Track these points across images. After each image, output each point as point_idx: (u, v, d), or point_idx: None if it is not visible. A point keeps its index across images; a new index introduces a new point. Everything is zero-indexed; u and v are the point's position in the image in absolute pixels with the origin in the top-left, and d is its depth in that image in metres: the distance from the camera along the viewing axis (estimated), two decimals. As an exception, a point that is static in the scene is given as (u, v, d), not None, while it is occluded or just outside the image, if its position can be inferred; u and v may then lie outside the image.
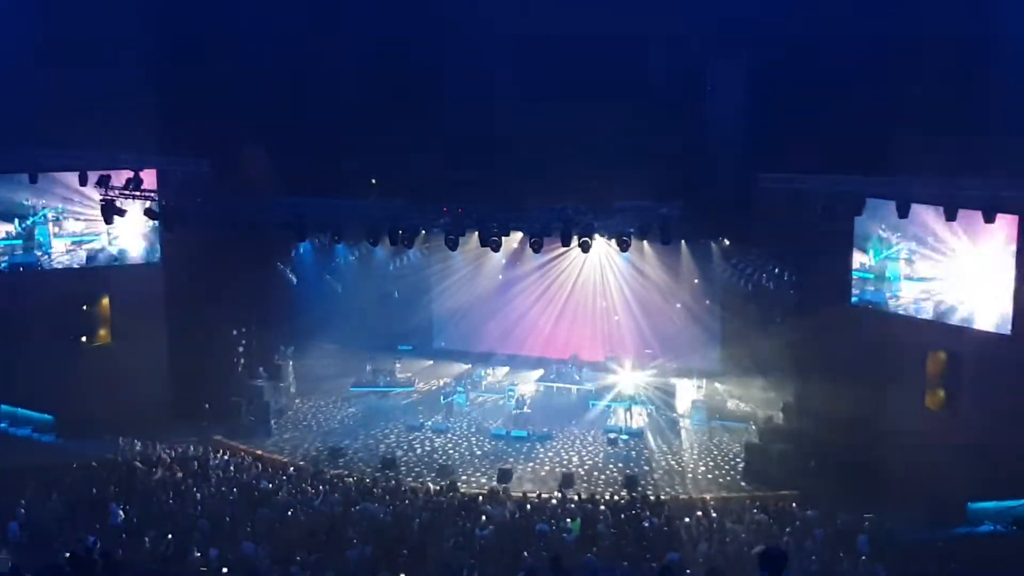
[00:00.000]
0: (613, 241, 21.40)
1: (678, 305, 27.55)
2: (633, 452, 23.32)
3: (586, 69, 22.23)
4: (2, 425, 22.59)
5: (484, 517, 17.38)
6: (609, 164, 21.56)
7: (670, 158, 21.75)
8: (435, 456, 23.08)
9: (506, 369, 28.44)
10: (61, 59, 21.78)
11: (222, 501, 18.06)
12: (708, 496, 20.08)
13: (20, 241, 23.40)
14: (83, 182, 22.01)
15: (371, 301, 29.09)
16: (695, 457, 23.08)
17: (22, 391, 22.20)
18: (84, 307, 23.69)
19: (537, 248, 21.08)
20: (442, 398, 26.32)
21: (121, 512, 16.76)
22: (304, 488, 19.25)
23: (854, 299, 21.57)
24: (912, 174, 19.03)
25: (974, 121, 18.26)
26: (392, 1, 23.66)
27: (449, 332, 30.29)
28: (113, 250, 24.07)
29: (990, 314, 19.24)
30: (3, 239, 23.22)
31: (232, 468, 20.60)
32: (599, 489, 20.74)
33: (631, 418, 24.82)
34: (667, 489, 20.84)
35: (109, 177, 21.35)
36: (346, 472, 21.49)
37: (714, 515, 17.89)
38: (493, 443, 23.94)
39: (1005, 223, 18.48)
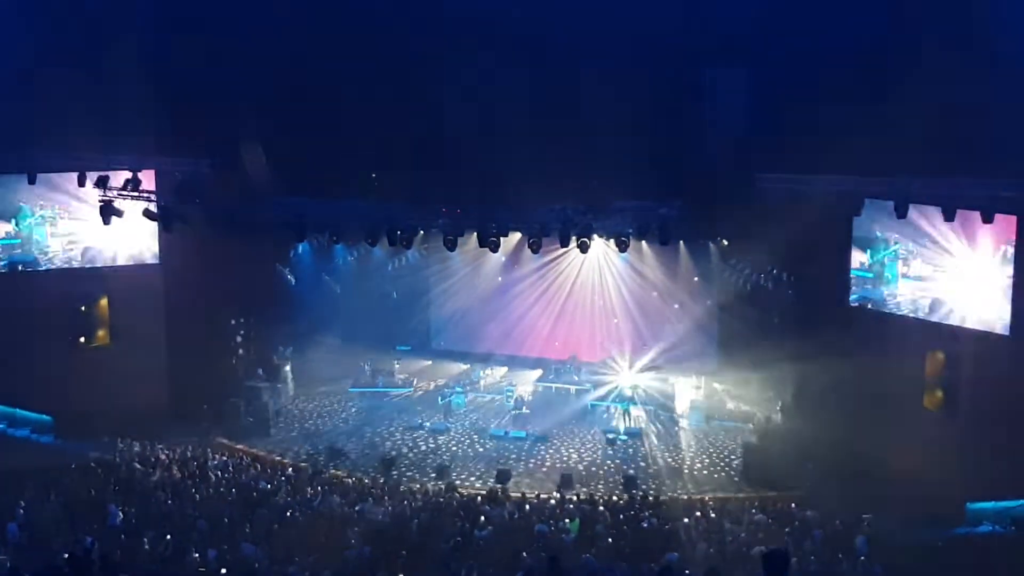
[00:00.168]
0: (612, 241, 21.38)
1: (676, 306, 27.55)
2: (631, 452, 23.32)
3: (586, 69, 22.22)
4: (1, 426, 22.56)
5: (483, 517, 17.37)
6: (608, 164, 21.54)
7: (669, 158, 21.74)
8: (434, 457, 23.05)
9: (505, 369, 28.43)
10: (60, 59, 21.77)
11: (221, 502, 18.04)
12: (707, 496, 20.08)
13: (18, 241, 23.43)
14: (82, 183, 22.00)
15: (370, 302, 29.03)
16: (694, 457, 23.07)
17: (21, 392, 22.19)
18: (83, 308, 23.68)
19: (536, 249, 21.07)
20: (439, 399, 26.32)
21: (120, 513, 16.76)
22: (303, 489, 19.24)
23: (853, 296, 21.58)
24: (911, 174, 19.04)
25: (973, 122, 18.28)
26: (392, 1, 23.66)
27: (448, 332, 30.26)
28: (109, 251, 24.07)
29: (987, 314, 19.27)
30: (2, 239, 23.23)
31: (231, 469, 20.58)
32: (598, 489, 20.73)
33: (630, 418, 24.82)
34: (666, 489, 20.81)
35: (107, 178, 21.34)
36: (345, 473, 21.48)
37: (713, 515, 17.89)
38: (492, 443, 23.93)
39: (1000, 224, 18.49)
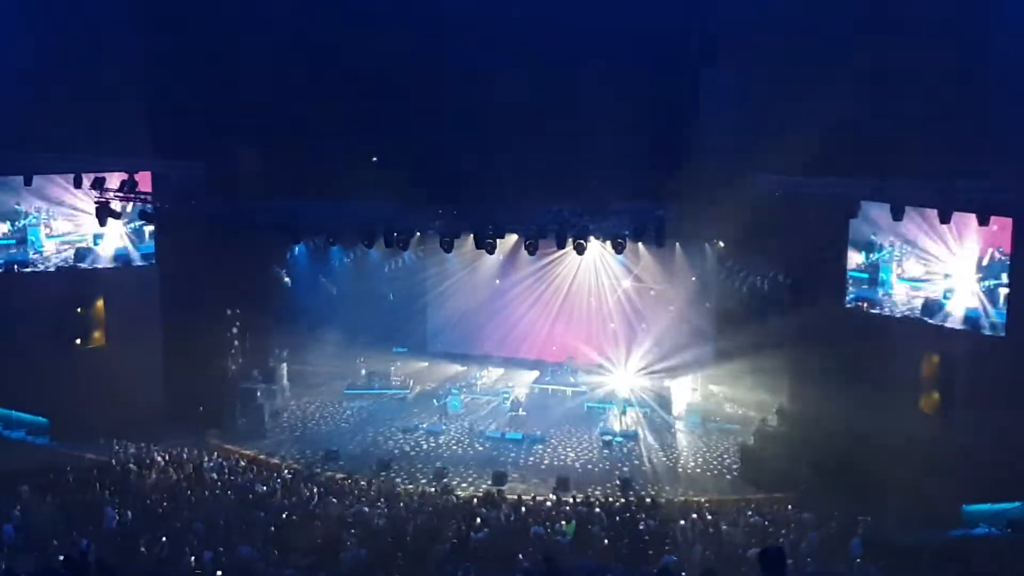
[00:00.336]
0: (608, 243, 21.39)
1: (670, 308, 27.55)
2: (628, 454, 23.32)
3: (584, 69, 22.22)
4: (-3, 428, 22.55)
5: (479, 519, 17.36)
6: (605, 165, 21.54)
7: (666, 159, 21.73)
8: (430, 458, 23.04)
9: (501, 371, 28.44)
10: (56, 61, 21.74)
11: (217, 504, 18.01)
12: (703, 499, 20.11)
13: (13, 241, 23.41)
14: (78, 184, 21.98)
15: (366, 303, 29.04)
16: (690, 459, 23.09)
17: (16, 394, 22.11)
18: (79, 309, 23.64)
19: (532, 250, 21.07)
20: (435, 401, 26.31)
21: (116, 515, 16.73)
22: (299, 490, 19.21)
23: (850, 296, 21.61)
24: (907, 177, 19.05)
25: (969, 124, 18.29)
26: (390, 2, 23.63)
27: (444, 334, 30.28)
28: (104, 252, 24.04)
29: (981, 315, 19.32)
30: (-1, 239, 23.26)
31: (227, 471, 20.56)
32: (594, 491, 20.74)
33: (626, 420, 24.82)
34: (662, 492, 20.80)
35: (104, 179, 21.31)
36: (341, 474, 21.46)
37: (709, 518, 17.88)
38: (488, 445, 23.92)
39: (995, 225, 18.52)
